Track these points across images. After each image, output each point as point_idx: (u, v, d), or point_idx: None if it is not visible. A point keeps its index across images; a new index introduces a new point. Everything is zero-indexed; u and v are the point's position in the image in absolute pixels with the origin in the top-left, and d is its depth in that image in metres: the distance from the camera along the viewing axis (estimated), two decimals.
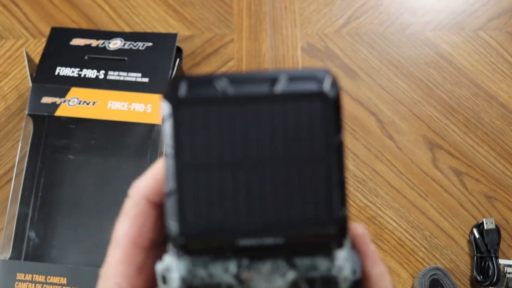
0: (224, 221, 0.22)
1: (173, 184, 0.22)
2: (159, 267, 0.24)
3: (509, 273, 0.64)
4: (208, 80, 0.22)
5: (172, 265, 0.23)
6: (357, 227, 0.25)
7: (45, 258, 0.61)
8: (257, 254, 0.23)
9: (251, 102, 0.22)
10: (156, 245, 0.27)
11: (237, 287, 0.23)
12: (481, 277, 0.63)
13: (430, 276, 0.63)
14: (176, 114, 0.22)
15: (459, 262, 0.66)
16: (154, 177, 0.28)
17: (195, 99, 0.22)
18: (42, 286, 0.59)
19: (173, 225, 0.22)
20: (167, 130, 0.22)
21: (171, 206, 0.22)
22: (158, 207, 0.27)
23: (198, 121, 0.22)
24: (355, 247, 0.25)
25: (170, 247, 0.23)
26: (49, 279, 0.59)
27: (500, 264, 0.63)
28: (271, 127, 0.22)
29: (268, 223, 0.22)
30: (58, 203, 0.63)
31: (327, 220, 0.22)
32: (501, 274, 0.63)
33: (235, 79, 0.22)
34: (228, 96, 0.22)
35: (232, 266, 0.23)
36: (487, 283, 0.63)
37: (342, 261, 0.23)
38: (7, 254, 0.61)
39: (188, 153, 0.22)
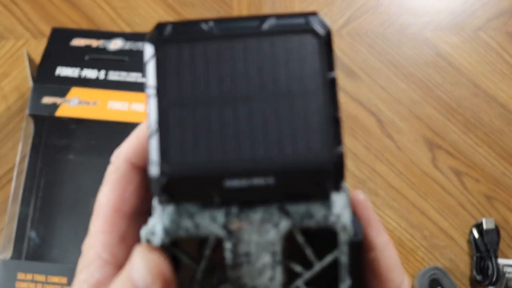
0: (210, 160, 0.20)
1: (154, 124, 0.20)
2: (143, 231, 0.21)
3: (508, 273, 0.64)
4: (194, 22, 0.21)
5: (157, 226, 0.21)
6: (357, 193, 0.23)
7: (45, 257, 0.61)
8: (247, 200, 0.20)
9: (238, 38, 0.21)
10: (140, 214, 0.25)
11: (227, 240, 0.21)
12: (480, 276, 0.63)
13: (430, 275, 0.63)
14: (160, 53, 0.20)
15: (458, 262, 0.66)
16: (138, 139, 0.25)
17: (179, 38, 0.20)
18: (42, 286, 0.59)
19: (154, 167, 0.20)
20: (150, 71, 0.20)
21: (152, 147, 0.20)
22: (143, 172, 0.25)
23: (183, 58, 0.21)
24: (356, 214, 0.23)
25: (155, 202, 0.21)
26: (49, 278, 0.59)
27: (499, 264, 0.64)
28: (259, 62, 0.21)
29: (257, 161, 0.20)
30: (59, 203, 0.63)
31: (322, 155, 0.20)
32: (500, 274, 0.63)
33: (222, 20, 0.21)
34: (214, 34, 0.21)
35: (220, 215, 0.21)
36: (487, 283, 0.63)
37: (340, 208, 0.21)
38: (8, 254, 0.61)
39: (171, 90, 0.20)
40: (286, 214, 0.21)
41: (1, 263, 0.60)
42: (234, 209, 0.21)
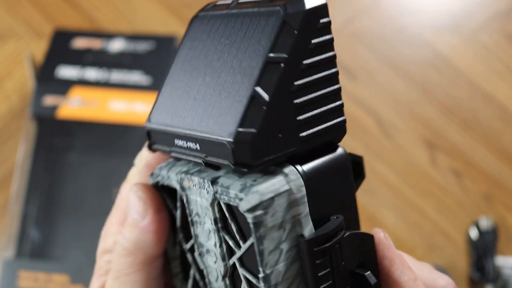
0: (172, 121, 0.24)
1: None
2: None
3: (506, 272, 0.64)
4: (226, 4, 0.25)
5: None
6: (377, 232, 0.24)
7: (47, 256, 0.61)
8: (189, 159, 0.24)
9: (231, 17, 0.24)
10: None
11: (181, 194, 0.25)
12: (478, 276, 0.64)
13: None
14: (189, 26, 0.27)
15: (457, 261, 0.66)
16: None
17: (204, 16, 0.26)
18: (44, 284, 0.60)
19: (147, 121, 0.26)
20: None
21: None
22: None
23: (198, 33, 0.26)
24: (379, 253, 0.24)
25: None
26: (51, 276, 0.60)
27: (497, 263, 0.64)
28: (232, 39, 0.23)
29: (191, 129, 0.23)
30: (60, 202, 0.64)
31: (227, 132, 0.21)
32: (498, 273, 0.63)
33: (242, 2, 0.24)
34: (225, 13, 0.25)
35: (180, 173, 0.24)
36: (485, 281, 0.63)
37: (245, 192, 0.21)
38: (10, 252, 0.61)
39: (181, 57, 0.26)
40: (214, 184, 0.22)
41: (3, 261, 0.60)
42: (189, 170, 0.24)
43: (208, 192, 0.23)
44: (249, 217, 0.21)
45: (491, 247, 0.64)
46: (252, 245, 0.22)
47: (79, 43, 0.71)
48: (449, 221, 0.68)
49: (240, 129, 0.20)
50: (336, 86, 0.23)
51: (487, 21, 0.77)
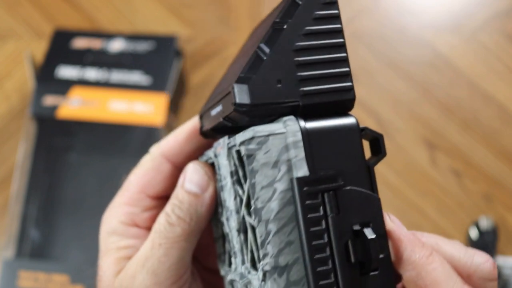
0: (212, 100, 0.28)
1: None
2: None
3: (506, 272, 0.64)
4: None
5: None
6: (388, 215, 0.25)
7: (47, 256, 0.61)
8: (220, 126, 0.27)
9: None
10: (161, 199, 0.31)
11: (214, 159, 0.28)
12: None
13: None
14: None
15: None
16: (175, 139, 0.31)
17: None
18: (44, 284, 0.60)
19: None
20: None
21: None
22: (174, 167, 0.31)
23: None
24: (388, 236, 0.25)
25: None
26: (51, 276, 0.60)
27: (497, 263, 0.64)
28: (267, 22, 0.27)
29: (219, 95, 0.26)
30: (60, 202, 0.64)
31: (234, 81, 0.24)
32: (498, 273, 0.64)
33: None
34: None
35: (215, 144, 0.28)
36: None
37: (241, 137, 0.24)
38: (10, 252, 0.61)
39: None
40: (230, 138, 0.26)
41: (3, 261, 0.60)
42: (221, 138, 0.27)
43: (227, 144, 0.26)
44: (242, 150, 0.24)
45: (491, 247, 0.64)
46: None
47: (79, 43, 0.71)
48: (449, 221, 0.68)
49: (242, 75, 0.24)
50: (341, 55, 0.26)
51: (487, 21, 0.77)
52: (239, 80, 0.24)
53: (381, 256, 0.24)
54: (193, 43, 0.76)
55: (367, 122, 0.72)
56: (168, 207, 0.28)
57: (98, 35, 0.72)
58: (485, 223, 0.66)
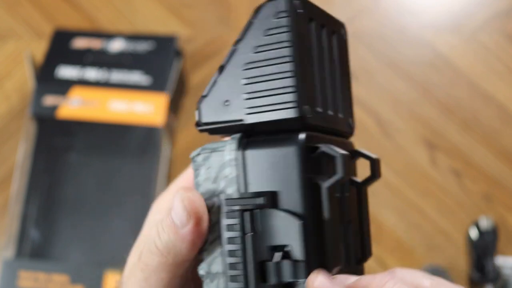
0: None
1: None
2: None
3: (506, 272, 0.64)
4: None
5: None
6: (317, 275, 0.23)
7: (47, 256, 0.62)
8: None
9: None
10: None
11: None
12: (478, 276, 0.64)
13: None
14: None
15: (457, 261, 0.66)
16: None
17: None
18: (44, 284, 0.60)
19: None
20: None
21: None
22: None
23: None
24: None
25: None
26: (51, 276, 0.60)
27: (497, 263, 0.64)
28: None
29: None
30: (60, 202, 0.64)
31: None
32: (498, 273, 0.64)
33: None
34: None
35: None
36: (485, 281, 0.63)
37: (193, 152, 0.26)
38: (10, 252, 0.61)
39: None
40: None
41: (3, 261, 0.60)
42: None
43: None
44: (192, 164, 0.25)
45: (491, 247, 0.64)
46: None
47: (79, 43, 0.71)
48: (449, 221, 0.68)
49: (201, 95, 0.26)
50: (285, 68, 0.24)
51: (487, 21, 0.77)
52: (199, 101, 0.26)
53: (290, 281, 0.23)
54: (193, 43, 0.76)
55: (367, 122, 0.72)
56: (154, 230, 0.27)
57: (98, 35, 0.72)
58: (485, 223, 0.66)
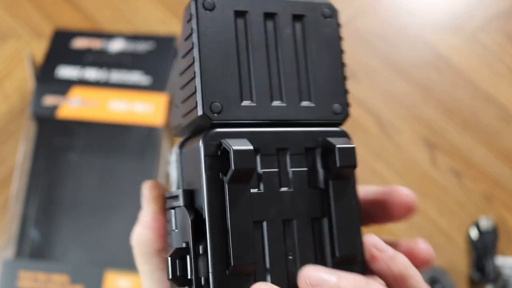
0: None
1: None
2: None
3: (506, 272, 0.64)
4: None
5: None
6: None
7: (47, 256, 0.61)
8: None
9: None
10: None
11: None
12: (478, 276, 0.64)
13: (429, 275, 0.63)
14: None
15: (457, 261, 0.66)
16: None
17: None
18: (44, 284, 0.60)
19: None
20: None
21: None
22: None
23: None
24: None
25: None
26: (51, 277, 0.60)
27: (497, 263, 0.64)
28: None
29: None
30: (60, 202, 0.64)
31: None
32: (498, 273, 0.63)
33: None
34: None
35: None
36: (485, 281, 0.63)
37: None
38: (10, 252, 0.61)
39: None
40: None
41: (3, 261, 0.60)
42: None
43: None
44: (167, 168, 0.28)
45: (491, 247, 0.64)
46: None
47: (79, 43, 0.71)
48: (449, 221, 0.68)
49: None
50: (192, 70, 0.24)
51: (487, 21, 0.77)
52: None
53: (188, 277, 0.24)
54: None
55: (367, 122, 0.72)
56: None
57: (98, 35, 0.72)
58: (485, 223, 0.66)
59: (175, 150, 0.27)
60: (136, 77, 0.69)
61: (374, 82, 0.74)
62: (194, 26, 0.24)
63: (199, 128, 0.25)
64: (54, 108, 0.67)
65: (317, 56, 0.26)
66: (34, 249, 0.62)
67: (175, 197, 0.25)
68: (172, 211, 0.25)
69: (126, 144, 0.66)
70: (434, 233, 0.67)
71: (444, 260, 0.66)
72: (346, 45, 0.27)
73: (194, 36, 0.24)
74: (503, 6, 0.78)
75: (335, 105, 0.27)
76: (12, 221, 0.63)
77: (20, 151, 0.66)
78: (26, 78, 0.73)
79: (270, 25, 0.25)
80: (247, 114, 0.24)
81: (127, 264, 0.60)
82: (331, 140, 0.25)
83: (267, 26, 0.25)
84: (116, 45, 0.71)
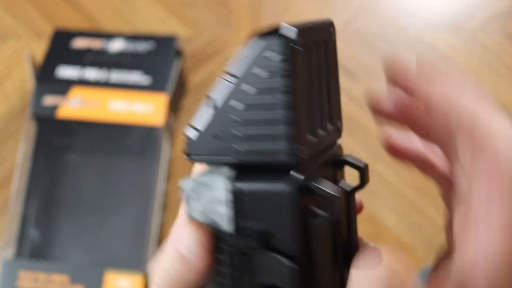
0: None
1: None
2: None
3: None
4: None
5: None
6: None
7: (47, 256, 0.62)
8: None
9: None
10: None
11: None
12: None
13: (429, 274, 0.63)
14: None
15: None
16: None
17: None
18: (44, 284, 0.60)
19: None
20: None
21: None
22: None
23: None
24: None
25: None
26: (51, 276, 0.60)
27: None
28: None
29: None
30: (60, 202, 0.64)
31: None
32: None
33: None
34: None
35: None
36: None
37: (182, 182, 0.26)
38: (10, 252, 0.61)
39: None
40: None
41: (3, 261, 0.60)
42: None
43: None
44: (183, 195, 0.25)
45: None
46: None
47: (79, 43, 0.71)
48: None
49: (189, 124, 0.25)
50: (275, 116, 0.23)
51: (487, 21, 0.77)
52: (187, 132, 0.25)
53: None
54: (193, 43, 0.76)
55: (367, 122, 0.72)
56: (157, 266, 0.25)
57: (98, 35, 0.72)
58: None
59: (220, 186, 0.25)
60: (136, 77, 0.69)
61: (374, 82, 0.74)
62: (289, 67, 0.23)
63: (270, 165, 0.24)
64: (54, 108, 0.67)
65: (330, 76, 0.27)
66: (34, 249, 0.62)
67: (238, 237, 0.24)
68: (238, 252, 0.24)
69: (126, 144, 0.66)
70: (434, 233, 0.67)
71: None
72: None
73: (289, 80, 0.23)
74: (503, 6, 0.78)
75: (338, 122, 0.28)
76: (12, 221, 0.63)
77: (20, 151, 0.66)
78: (26, 78, 0.73)
79: (316, 54, 0.26)
80: (312, 149, 0.24)
81: (127, 264, 0.60)
82: (353, 161, 0.28)
83: (315, 56, 0.26)
84: (116, 45, 0.71)
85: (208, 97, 0.24)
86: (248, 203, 0.24)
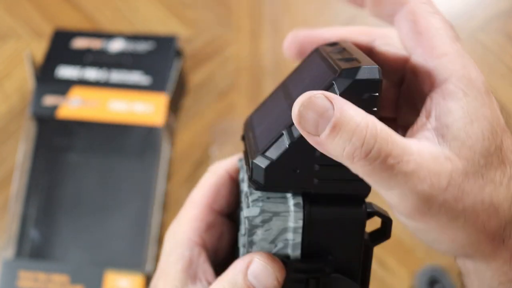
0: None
1: None
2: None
3: None
4: None
5: None
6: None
7: (47, 256, 0.61)
8: None
9: None
10: (224, 215, 0.30)
11: (240, 181, 0.29)
12: None
13: (429, 275, 0.63)
14: None
15: None
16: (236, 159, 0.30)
17: None
18: (44, 284, 0.60)
19: None
20: None
21: None
22: (235, 183, 0.30)
23: None
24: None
25: None
26: (51, 277, 0.60)
27: None
28: (304, 78, 0.27)
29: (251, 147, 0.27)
30: (60, 202, 0.64)
31: (257, 154, 0.25)
32: None
33: None
34: None
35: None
36: None
37: (253, 203, 0.25)
38: (10, 252, 0.61)
39: None
40: (249, 186, 0.27)
41: (3, 261, 0.60)
42: None
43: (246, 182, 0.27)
44: (246, 223, 0.24)
45: None
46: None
47: (79, 43, 0.71)
48: None
49: (262, 153, 0.24)
50: None
51: (487, 21, 0.77)
52: (259, 158, 0.24)
53: None
54: (193, 43, 0.76)
55: None
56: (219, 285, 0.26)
57: (98, 35, 0.72)
58: None
59: (293, 216, 0.25)
60: (136, 77, 0.69)
61: None
62: (376, 94, 0.23)
63: (344, 195, 0.25)
64: (54, 108, 0.67)
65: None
66: (34, 249, 0.62)
67: (311, 264, 0.25)
68: (312, 280, 0.25)
69: (126, 144, 0.66)
70: None
71: (444, 260, 0.66)
72: None
73: (377, 104, 0.23)
74: (503, 6, 0.78)
75: None
76: (12, 221, 0.63)
77: (20, 151, 0.66)
78: (26, 78, 0.73)
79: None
80: None
81: (127, 264, 0.60)
82: (382, 212, 0.32)
83: None
84: (116, 45, 0.71)
85: (282, 127, 0.24)
86: (318, 229, 0.25)
